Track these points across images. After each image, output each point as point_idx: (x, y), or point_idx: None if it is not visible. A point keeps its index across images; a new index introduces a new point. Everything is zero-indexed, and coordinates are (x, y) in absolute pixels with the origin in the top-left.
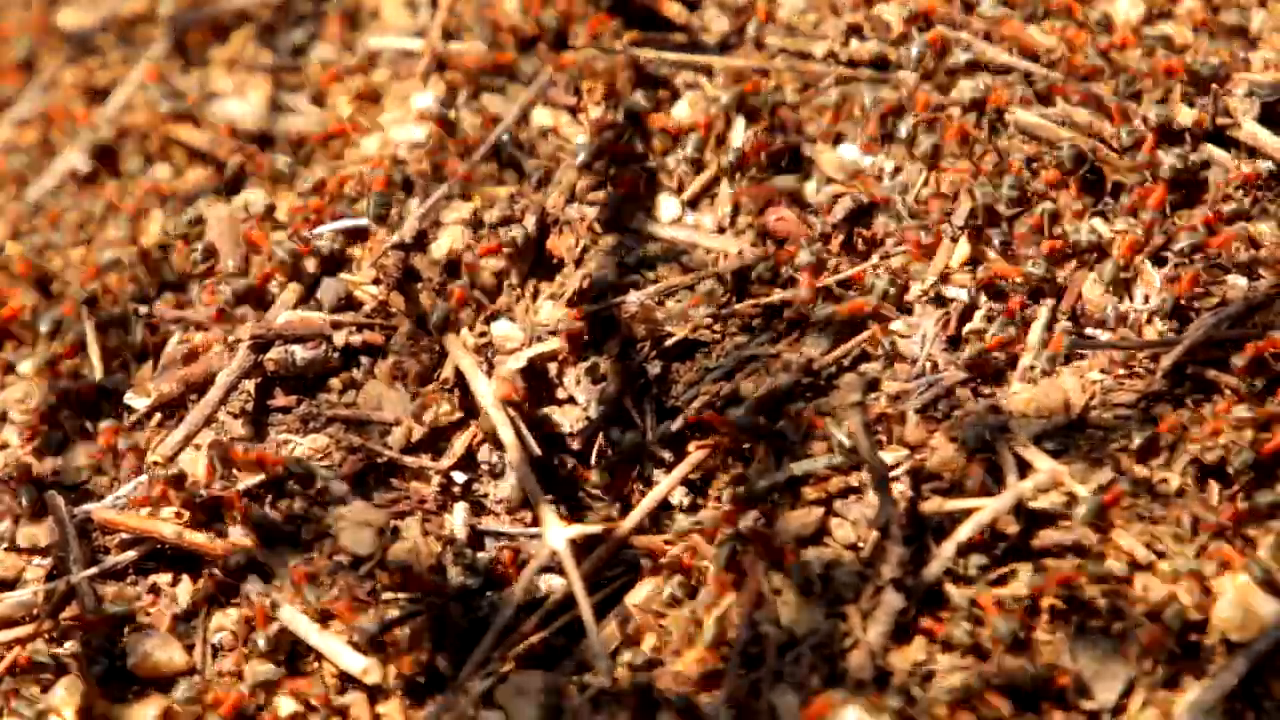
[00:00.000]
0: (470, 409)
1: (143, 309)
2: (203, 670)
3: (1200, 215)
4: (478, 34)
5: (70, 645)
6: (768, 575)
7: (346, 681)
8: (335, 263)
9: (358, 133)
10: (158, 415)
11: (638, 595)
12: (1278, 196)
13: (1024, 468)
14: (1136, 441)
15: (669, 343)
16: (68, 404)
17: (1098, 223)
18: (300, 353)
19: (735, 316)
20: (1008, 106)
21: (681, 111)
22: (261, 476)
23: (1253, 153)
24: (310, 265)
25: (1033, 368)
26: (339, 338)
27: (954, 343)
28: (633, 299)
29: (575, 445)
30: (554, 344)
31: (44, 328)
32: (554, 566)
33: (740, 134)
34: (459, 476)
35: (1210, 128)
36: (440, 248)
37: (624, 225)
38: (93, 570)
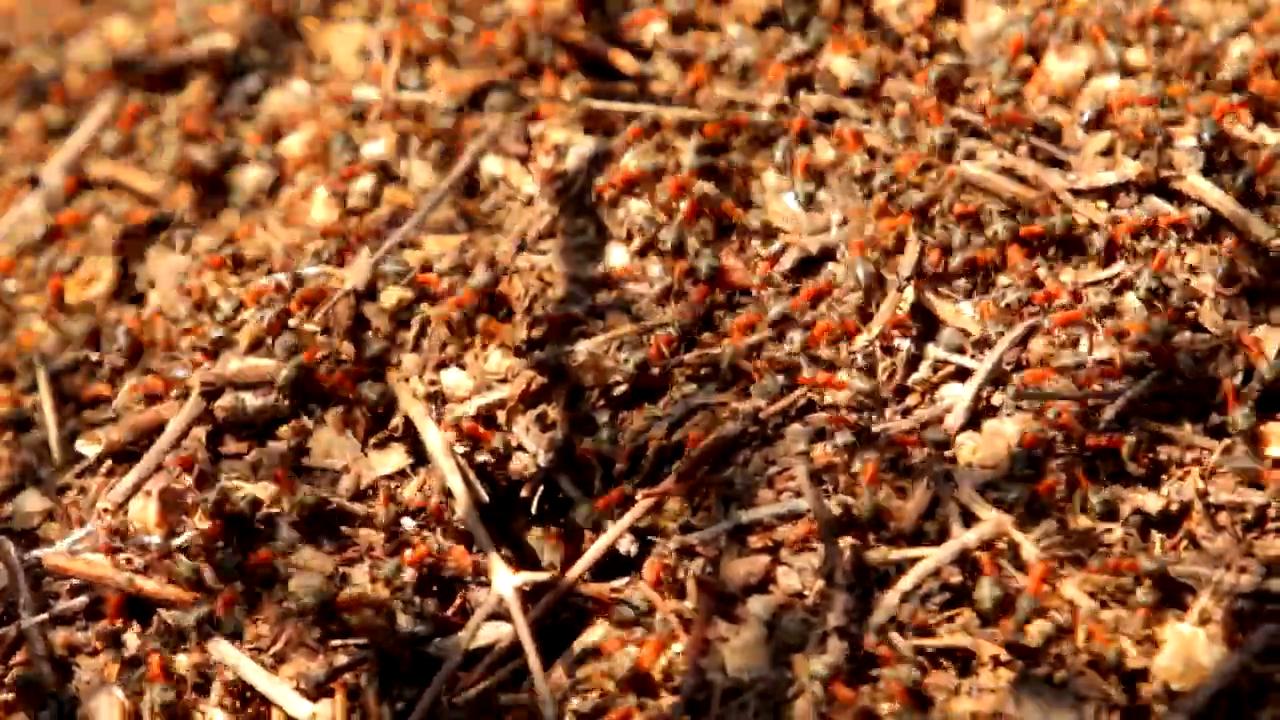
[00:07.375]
0: (419, 456)
1: (94, 355)
2: (151, 716)
3: (1142, 267)
4: (429, 83)
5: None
6: (714, 622)
7: None
8: (285, 310)
9: (308, 180)
10: (109, 462)
11: (585, 642)
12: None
13: (968, 517)
14: (1080, 491)
15: (617, 391)
16: (19, 450)
17: (1042, 273)
18: (250, 400)
19: (683, 365)
20: (953, 159)
21: (631, 161)
22: (211, 523)
23: (1197, 205)
24: (260, 313)
25: (977, 417)
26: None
27: (901, 392)
28: (581, 348)
29: (524, 492)
30: (503, 392)
31: None
32: (502, 613)
33: (689, 183)
34: (408, 523)
35: (1155, 180)
36: (390, 296)
37: (573, 274)
38: (43, 616)
